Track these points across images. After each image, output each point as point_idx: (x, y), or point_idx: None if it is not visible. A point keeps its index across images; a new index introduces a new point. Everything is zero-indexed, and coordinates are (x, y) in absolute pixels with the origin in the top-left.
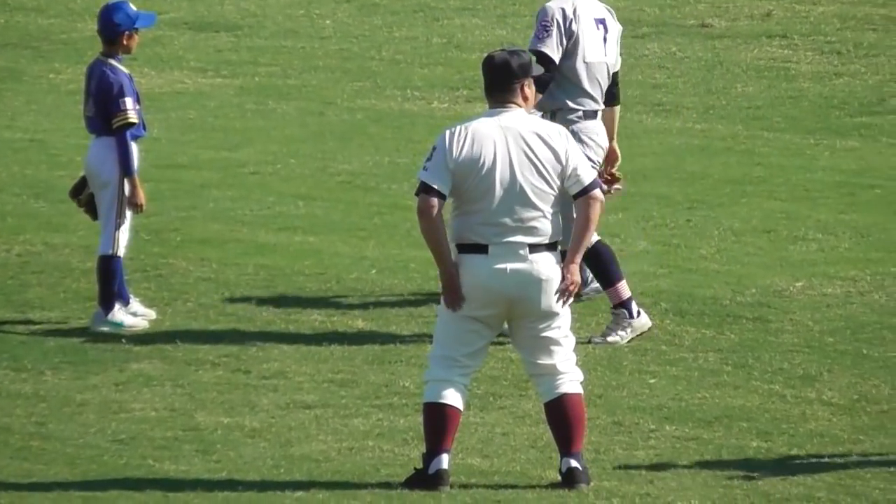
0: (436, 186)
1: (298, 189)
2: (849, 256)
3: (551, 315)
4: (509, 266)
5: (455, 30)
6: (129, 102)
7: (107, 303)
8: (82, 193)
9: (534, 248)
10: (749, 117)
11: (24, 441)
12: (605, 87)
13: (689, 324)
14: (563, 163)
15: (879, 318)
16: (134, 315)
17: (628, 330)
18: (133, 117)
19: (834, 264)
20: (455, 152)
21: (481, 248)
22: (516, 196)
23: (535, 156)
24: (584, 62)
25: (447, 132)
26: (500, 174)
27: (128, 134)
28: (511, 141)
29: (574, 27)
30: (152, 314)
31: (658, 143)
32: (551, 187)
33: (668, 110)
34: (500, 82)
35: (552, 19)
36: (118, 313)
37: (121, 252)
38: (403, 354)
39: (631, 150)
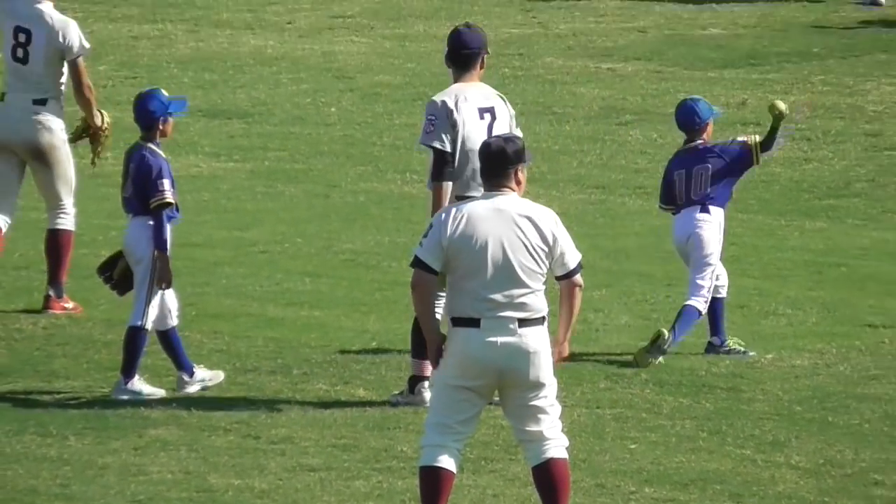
0: (428, 262)
1: (305, 266)
2: (816, 330)
3: (539, 385)
4: (500, 339)
5: None
6: (166, 184)
7: (128, 372)
8: (111, 270)
9: (523, 322)
10: None
11: (49, 502)
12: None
13: (667, 393)
14: (551, 245)
15: (844, 387)
16: (193, 378)
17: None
18: (169, 198)
19: (802, 338)
20: (450, 231)
21: (474, 322)
22: (507, 274)
23: (526, 237)
24: (466, 150)
25: (444, 212)
26: (493, 253)
27: (164, 214)
28: (503, 223)
29: (456, 117)
30: (220, 375)
31: (640, 223)
32: (540, 267)
33: (650, 193)
34: (495, 168)
35: (435, 113)
36: (137, 383)
37: (149, 325)
38: (402, 421)
39: (615, 230)
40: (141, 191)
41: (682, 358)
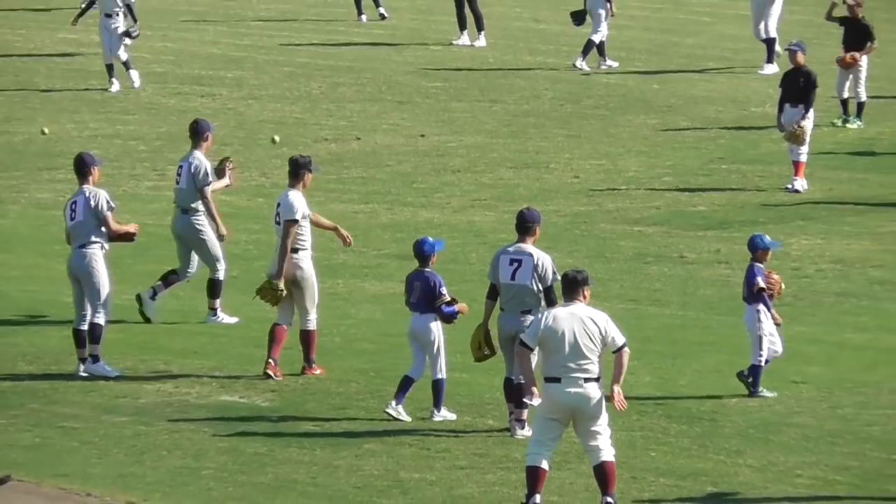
0: (529, 343)
1: None
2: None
3: (596, 417)
4: (573, 390)
5: None
6: (444, 290)
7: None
8: (489, 347)
9: (587, 380)
10: None
11: (302, 488)
12: (520, 304)
13: (672, 422)
14: (604, 334)
15: (781, 418)
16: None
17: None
18: (447, 298)
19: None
20: (544, 325)
21: (557, 380)
22: (577, 351)
23: (588, 329)
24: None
25: (542, 314)
26: (569, 339)
27: (444, 309)
28: (576, 321)
29: (496, 264)
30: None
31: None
32: (597, 347)
33: None
34: (571, 290)
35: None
36: (444, 412)
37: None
38: (515, 440)
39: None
40: (429, 296)
41: (682, 400)
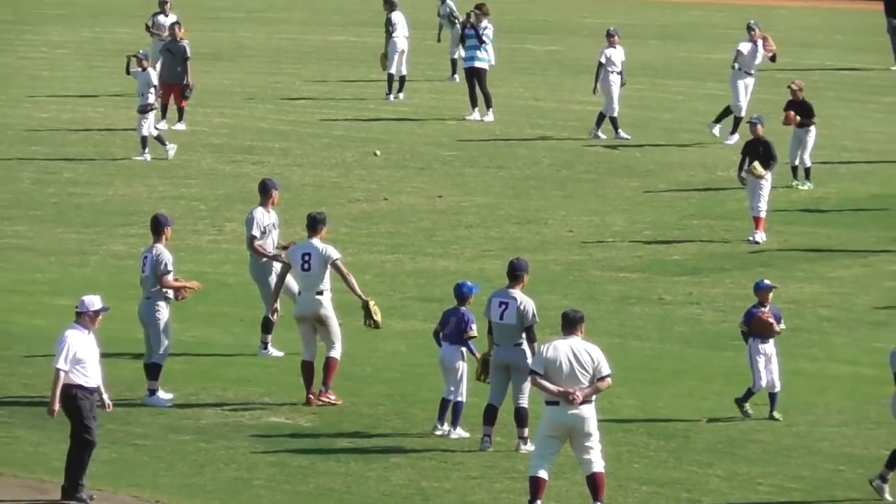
0: (538, 370)
1: None
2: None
3: (589, 435)
4: (570, 411)
5: None
6: (473, 327)
7: (451, 421)
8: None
9: (581, 403)
10: None
11: (338, 495)
12: (510, 340)
13: (653, 438)
14: (596, 364)
15: (743, 434)
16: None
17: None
18: (474, 334)
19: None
20: (545, 354)
21: (556, 402)
22: (572, 377)
23: (582, 359)
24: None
25: (544, 345)
26: (566, 367)
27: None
28: (572, 352)
29: (489, 305)
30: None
31: None
32: (589, 374)
33: None
34: (570, 326)
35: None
36: (456, 431)
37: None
38: (523, 457)
39: None
40: (458, 332)
41: (660, 420)
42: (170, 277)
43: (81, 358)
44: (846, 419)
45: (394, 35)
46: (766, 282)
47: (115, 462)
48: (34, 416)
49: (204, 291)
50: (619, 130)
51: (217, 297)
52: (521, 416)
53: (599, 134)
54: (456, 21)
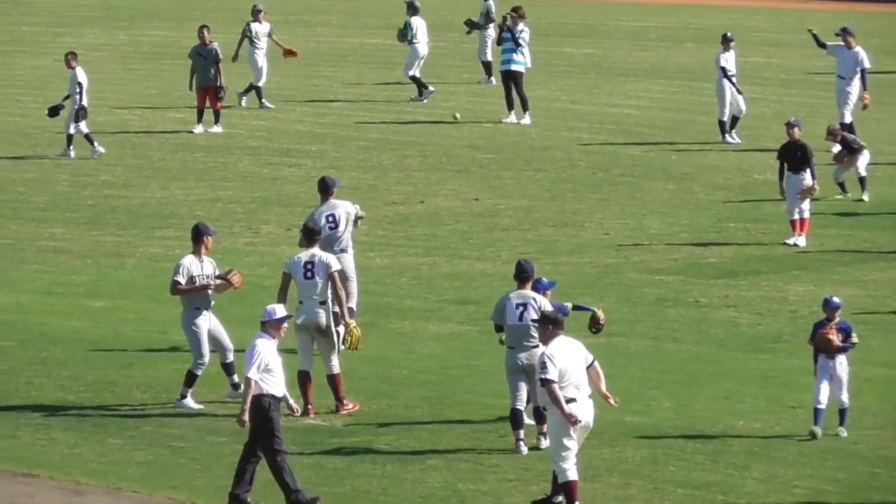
0: (553, 378)
1: None
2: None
3: (589, 428)
4: (589, 407)
5: None
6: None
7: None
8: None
9: (589, 396)
10: None
11: (371, 495)
12: (526, 341)
13: (658, 447)
14: (586, 356)
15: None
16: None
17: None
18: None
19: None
20: (558, 366)
21: (573, 399)
22: (579, 373)
23: (580, 354)
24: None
25: (548, 350)
26: (574, 368)
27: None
28: (572, 352)
29: (502, 310)
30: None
31: None
32: (585, 363)
33: None
34: (561, 325)
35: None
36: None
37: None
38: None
39: None
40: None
41: (697, 422)
42: (179, 283)
43: (271, 367)
44: (881, 422)
45: (415, 42)
46: (836, 300)
47: (151, 464)
48: (70, 418)
49: (240, 293)
50: (726, 135)
51: (253, 299)
52: (541, 415)
53: (732, 138)
54: (493, 21)
